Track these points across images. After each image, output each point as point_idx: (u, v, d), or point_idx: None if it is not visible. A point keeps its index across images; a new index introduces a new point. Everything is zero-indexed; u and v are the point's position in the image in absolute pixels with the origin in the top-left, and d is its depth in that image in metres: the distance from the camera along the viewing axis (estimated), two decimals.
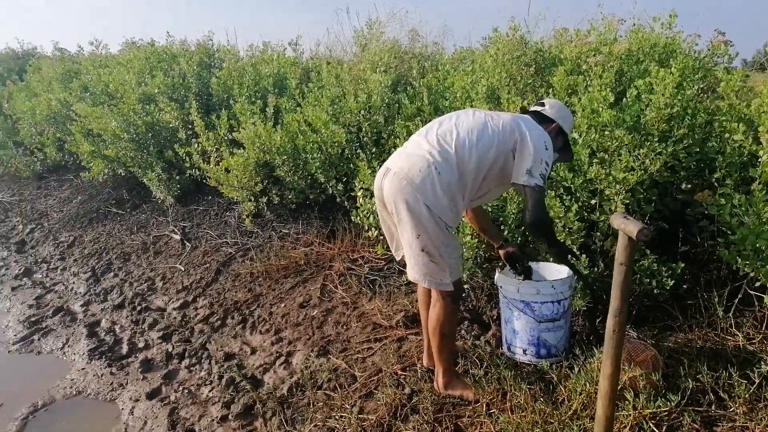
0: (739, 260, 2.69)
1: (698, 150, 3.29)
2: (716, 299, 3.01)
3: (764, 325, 2.91)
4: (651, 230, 1.51)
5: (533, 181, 2.38)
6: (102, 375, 3.75)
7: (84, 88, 8.25)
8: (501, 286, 2.91)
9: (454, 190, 2.40)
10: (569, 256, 2.83)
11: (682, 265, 3.12)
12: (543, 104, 2.79)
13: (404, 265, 2.76)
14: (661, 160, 3.13)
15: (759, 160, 2.76)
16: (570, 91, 3.83)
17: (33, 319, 4.67)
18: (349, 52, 6.97)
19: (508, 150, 2.43)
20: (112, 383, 3.64)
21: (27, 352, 4.22)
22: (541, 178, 2.39)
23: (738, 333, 2.88)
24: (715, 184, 3.08)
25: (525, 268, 2.96)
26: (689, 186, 3.28)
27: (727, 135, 3.04)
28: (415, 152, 2.47)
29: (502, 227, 3.49)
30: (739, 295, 3.01)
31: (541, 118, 2.69)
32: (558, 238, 2.77)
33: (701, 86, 3.87)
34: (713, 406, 2.35)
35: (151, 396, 3.41)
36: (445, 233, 2.42)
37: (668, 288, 3.06)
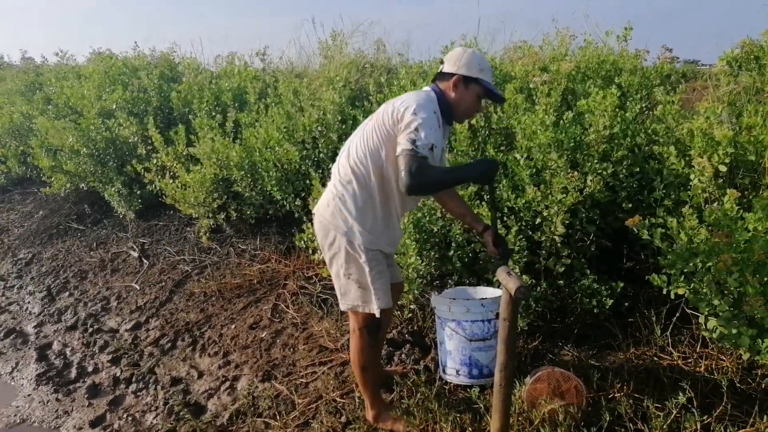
0: (672, 285, 2.72)
1: (639, 170, 3.33)
2: (654, 318, 3.04)
3: (699, 343, 2.95)
4: (529, 289, 1.51)
5: (399, 147, 2.18)
6: (48, 401, 3.69)
7: (47, 100, 8.13)
8: (435, 307, 2.92)
9: (364, 211, 2.37)
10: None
11: (622, 284, 3.14)
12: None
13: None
14: (600, 180, 3.16)
15: (690, 183, 2.79)
16: (516, 110, 3.84)
17: None
18: (315, 63, 6.96)
19: (394, 137, 2.26)
20: (57, 410, 3.59)
21: None
22: (409, 143, 2.14)
23: (674, 351, 2.92)
24: (653, 204, 3.12)
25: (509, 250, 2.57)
26: (630, 205, 3.32)
27: (665, 156, 3.08)
28: (328, 186, 2.52)
29: None
30: (677, 314, 3.05)
31: (444, 76, 2.46)
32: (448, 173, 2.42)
33: (645, 104, 3.91)
34: None
35: (94, 424, 3.37)
36: (365, 257, 2.38)
37: (607, 307, 3.10)
